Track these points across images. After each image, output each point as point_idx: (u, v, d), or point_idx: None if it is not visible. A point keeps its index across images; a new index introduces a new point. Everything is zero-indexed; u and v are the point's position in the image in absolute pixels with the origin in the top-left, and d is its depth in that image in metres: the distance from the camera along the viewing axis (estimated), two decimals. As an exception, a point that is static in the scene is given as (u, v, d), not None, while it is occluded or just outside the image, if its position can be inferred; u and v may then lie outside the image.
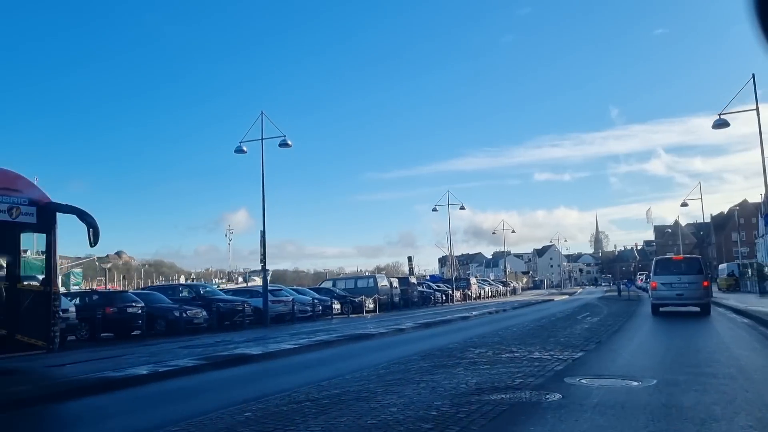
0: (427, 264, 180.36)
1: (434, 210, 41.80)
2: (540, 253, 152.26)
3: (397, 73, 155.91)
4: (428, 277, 74.93)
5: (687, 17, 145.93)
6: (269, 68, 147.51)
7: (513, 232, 63.78)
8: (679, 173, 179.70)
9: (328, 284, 32.87)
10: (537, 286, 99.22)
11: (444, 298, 39.89)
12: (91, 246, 9.73)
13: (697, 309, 18.13)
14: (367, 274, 43.12)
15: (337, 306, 26.58)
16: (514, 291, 66.19)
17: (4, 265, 10.18)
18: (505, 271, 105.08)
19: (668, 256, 26.80)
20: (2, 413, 6.35)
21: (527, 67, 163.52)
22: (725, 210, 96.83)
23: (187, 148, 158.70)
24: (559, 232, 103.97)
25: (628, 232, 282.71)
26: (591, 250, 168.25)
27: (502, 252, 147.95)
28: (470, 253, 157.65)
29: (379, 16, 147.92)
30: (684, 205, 35.45)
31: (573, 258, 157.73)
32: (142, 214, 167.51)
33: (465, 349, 10.32)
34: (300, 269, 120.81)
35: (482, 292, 50.13)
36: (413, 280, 40.07)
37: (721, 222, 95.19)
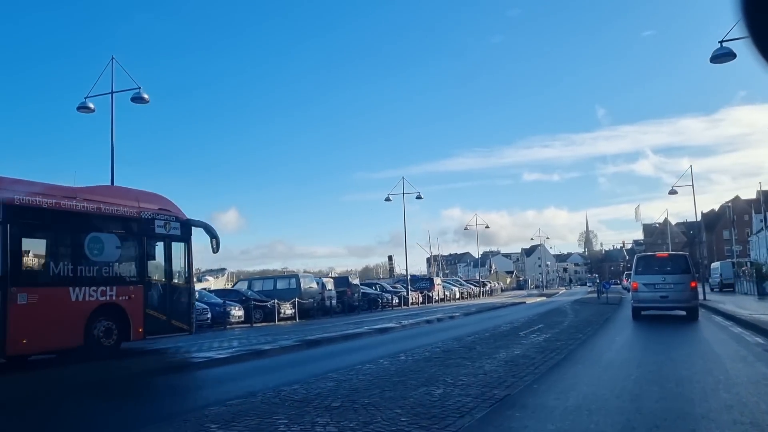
0: (416, 264, 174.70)
1: (387, 200, 36.44)
2: (528, 252, 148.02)
3: (388, 72, 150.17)
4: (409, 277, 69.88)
5: (675, 19, 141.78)
6: (259, 62, 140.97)
7: (487, 227, 58.38)
8: (667, 174, 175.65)
9: (242, 285, 27.16)
10: (521, 286, 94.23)
11: (397, 301, 34.41)
12: (213, 253, 13.29)
13: (683, 313, 16.61)
14: (288, 272, 37.50)
15: (238, 313, 21.03)
16: (491, 292, 60.90)
17: (164, 266, 12.13)
18: (489, 270, 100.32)
19: (652, 253, 22.04)
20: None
21: (517, 67, 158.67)
22: (715, 208, 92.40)
23: (184, 145, 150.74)
24: (540, 229, 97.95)
25: (618, 232, 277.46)
26: (581, 250, 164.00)
27: (490, 252, 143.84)
28: (458, 252, 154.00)
29: (367, 14, 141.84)
30: (673, 192, 30.25)
31: (562, 258, 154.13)
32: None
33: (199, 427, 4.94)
34: (289, 269, 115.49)
35: (448, 293, 44.49)
36: (355, 281, 34.49)
37: (712, 220, 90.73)
